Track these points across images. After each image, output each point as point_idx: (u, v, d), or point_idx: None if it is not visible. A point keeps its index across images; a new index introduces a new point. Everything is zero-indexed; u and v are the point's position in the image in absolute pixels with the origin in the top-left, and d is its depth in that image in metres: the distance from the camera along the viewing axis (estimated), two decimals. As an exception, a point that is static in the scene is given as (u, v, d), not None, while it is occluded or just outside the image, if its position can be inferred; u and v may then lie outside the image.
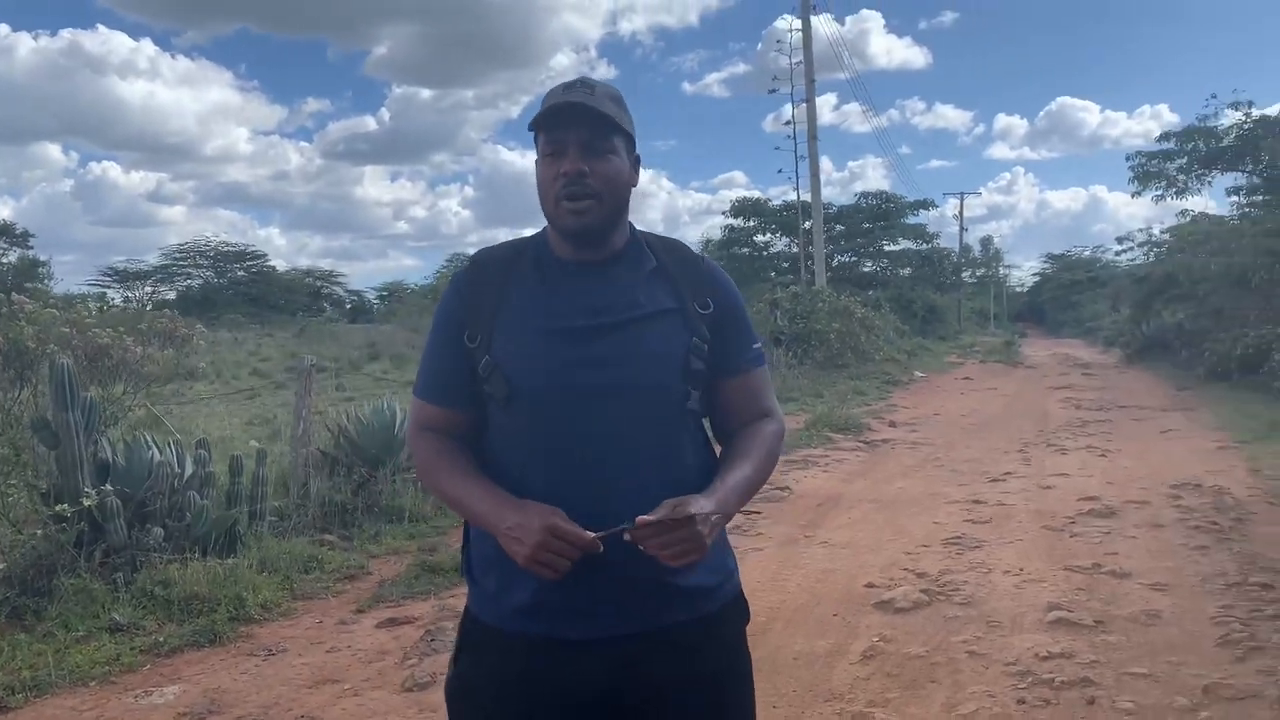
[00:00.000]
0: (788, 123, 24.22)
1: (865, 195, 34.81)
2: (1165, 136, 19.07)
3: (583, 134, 1.68)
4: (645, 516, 1.55)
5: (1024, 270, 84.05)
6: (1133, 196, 21.28)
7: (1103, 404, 15.26)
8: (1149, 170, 19.77)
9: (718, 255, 36.93)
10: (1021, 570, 5.68)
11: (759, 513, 7.34)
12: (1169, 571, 5.58)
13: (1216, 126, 17.73)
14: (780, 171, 49.50)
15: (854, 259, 34.59)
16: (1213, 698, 3.78)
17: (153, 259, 53.46)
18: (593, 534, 1.57)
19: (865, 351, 19.44)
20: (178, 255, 52.04)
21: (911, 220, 35.39)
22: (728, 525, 1.74)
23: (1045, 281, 76.42)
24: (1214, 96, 20.28)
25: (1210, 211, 21.62)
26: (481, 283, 1.77)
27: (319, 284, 58.53)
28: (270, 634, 4.84)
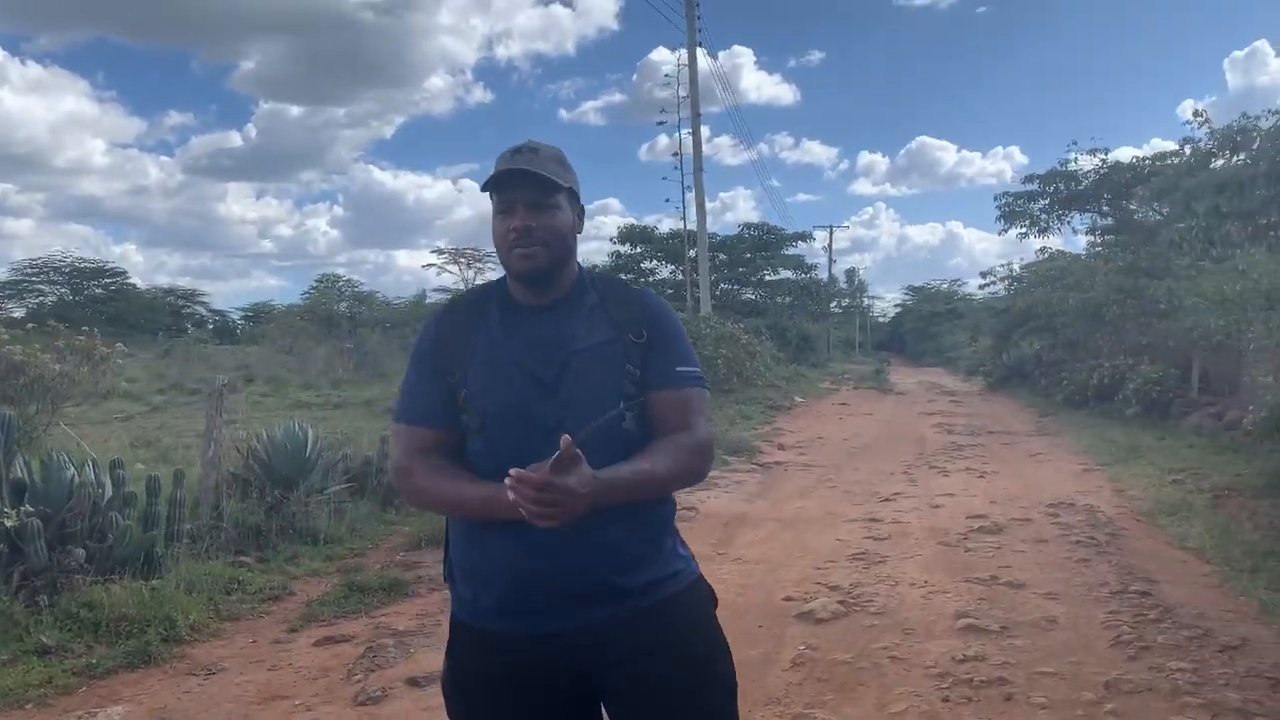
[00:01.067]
0: (675, 154, 24.81)
1: (748, 226, 36.00)
2: (1030, 179, 20.36)
3: (528, 194, 1.93)
4: (518, 471, 1.67)
5: (886, 301, 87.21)
6: (999, 234, 22.59)
7: (973, 429, 16.08)
8: (1015, 209, 21.02)
9: None
10: (926, 582, 6.05)
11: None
12: (1058, 582, 6.04)
13: (1076, 170, 19.02)
14: (668, 200, 50.38)
15: (735, 287, 35.48)
16: (1114, 692, 4.17)
17: (-1, 273, 50.48)
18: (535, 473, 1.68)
19: (749, 377, 19.99)
20: (28, 270, 49.25)
21: (790, 251, 36.75)
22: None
23: (906, 312, 79.41)
24: (1075, 143, 21.75)
25: (1065, 249, 23.08)
26: (454, 325, 2.03)
27: (180, 303, 56.30)
28: (204, 654, 4.80)
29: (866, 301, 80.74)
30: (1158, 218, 18.02)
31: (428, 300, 43.00)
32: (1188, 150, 16.35)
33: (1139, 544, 7.22)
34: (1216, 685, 4.20)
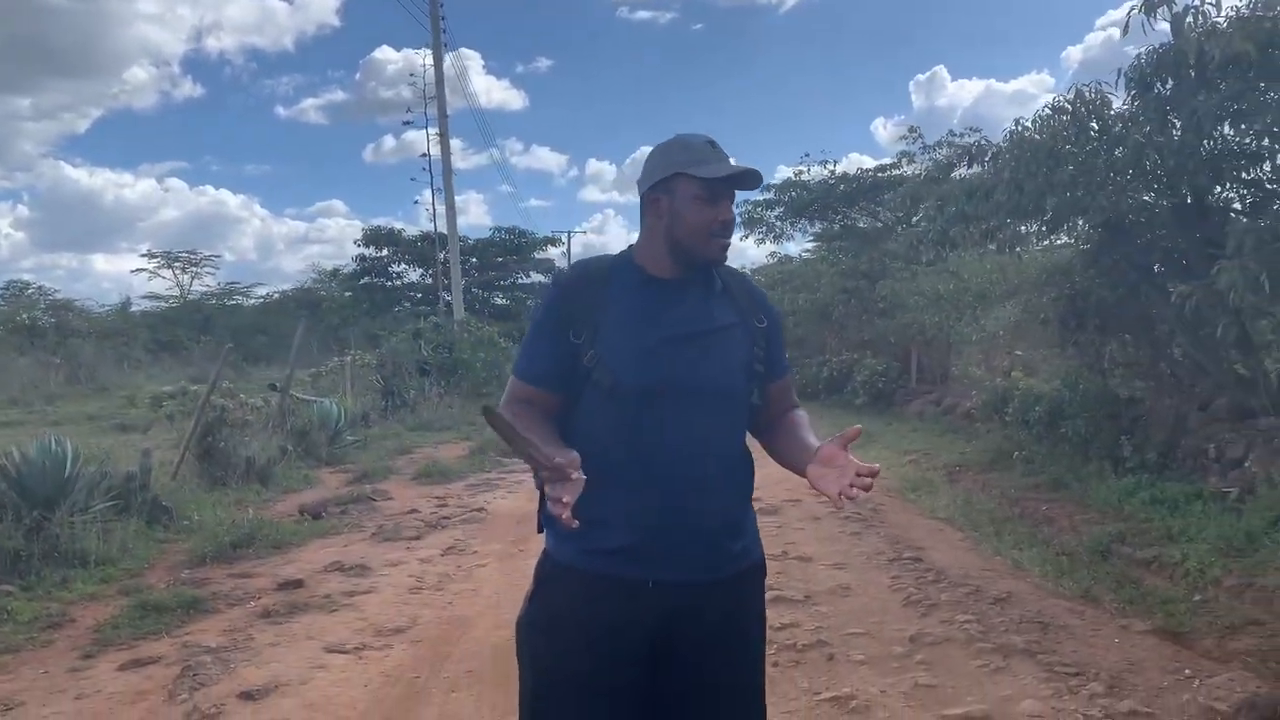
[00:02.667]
0: (423, 155, 24.29)
1: (500, 229, 35.81)
2: (767, 188, 21.69)
3: (733, 191, 2.12)
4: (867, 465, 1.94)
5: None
6: (740, 239, 23.78)
7: (723, 423, 16.92)
8: (754, 216, 22.34)
9: (347, 286, 36.02)
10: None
11: (461, 535, 7.54)
12: (840, 554, 6.58)
13: (809, 180, 20.50)
14: (416, 202, 49.44)
15: (486, 292, 35.25)
16: (919, 644, 4.64)
17: None
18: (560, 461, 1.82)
19: (507, 381, 19.99)
20: None
21: (541, 256, 36.94)
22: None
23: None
24: (807, 155, 23.38)
25: (793, 255, 24.76)
26: (584, 288, 2.12)
27: None
28: (-8, 691, 4.35)
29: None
30: (879, 225, 19.79)
31: (133, 308, 39.85)
32: (904, 163, 18.13)
33: (898, 517, 7.97)
34: (1000, 632, 4.78)
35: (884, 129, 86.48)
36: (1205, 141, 7.04)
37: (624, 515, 2.00)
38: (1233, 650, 4.56)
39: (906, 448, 12.12)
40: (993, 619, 4.99)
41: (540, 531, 2.22)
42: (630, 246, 2.22)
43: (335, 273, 37.77)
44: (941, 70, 79.31)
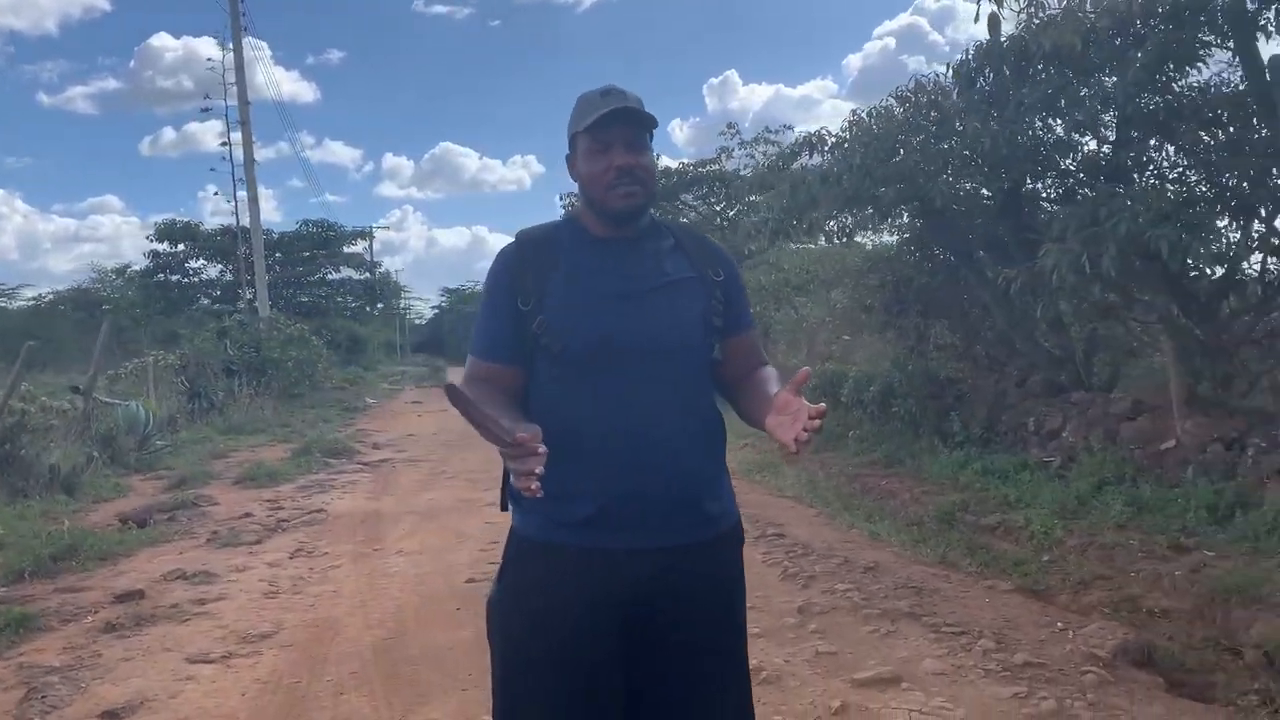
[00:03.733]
0: (223, 143, 22.92)
1: (307, 222, 34.09)
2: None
3: (627, 133, 1.96)
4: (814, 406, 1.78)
5: (424, 303, 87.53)
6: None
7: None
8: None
9: (142, 284, 33.46)
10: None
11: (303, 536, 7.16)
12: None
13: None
14: (216, 193, 46.62)
15: (293, 289, 33.57)
16: (809, 615, 4.72)
17: None
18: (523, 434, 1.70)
19: (318, 381, 19.20)
20: None
21: (351, 250, 35.43)
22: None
23: (445, 313, 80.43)
24: None
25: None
26: (527, 256, 2.02)
27: None
28: None
29: (405, 304, 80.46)
30: (698, 218, 20.18)
31: None
32: (723, 158, 18.55)
33: (750, 496, 8.12)
34: (880, 598, 4.93)
35: (680, 130, 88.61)
36: (1024, 133, 7.53)
37: (590, 484, 1.91)
38: (1087, 603, 4.88)
39: (739, 433, 12.36)
40: (870, 587, 5.14)
41: (504, 510, 2.11)
42: (576, 208, 2.15)
43: (123, 271, 35.18)
44: (733, 74, 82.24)
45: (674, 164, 19.68)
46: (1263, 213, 7.16)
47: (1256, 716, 3.46)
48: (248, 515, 8.09)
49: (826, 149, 8.13)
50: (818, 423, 1.78)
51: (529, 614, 1.96)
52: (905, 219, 9.57)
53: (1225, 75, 6.85)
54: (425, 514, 8.04)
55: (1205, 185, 7.07)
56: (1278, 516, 5.43)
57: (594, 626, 1.93)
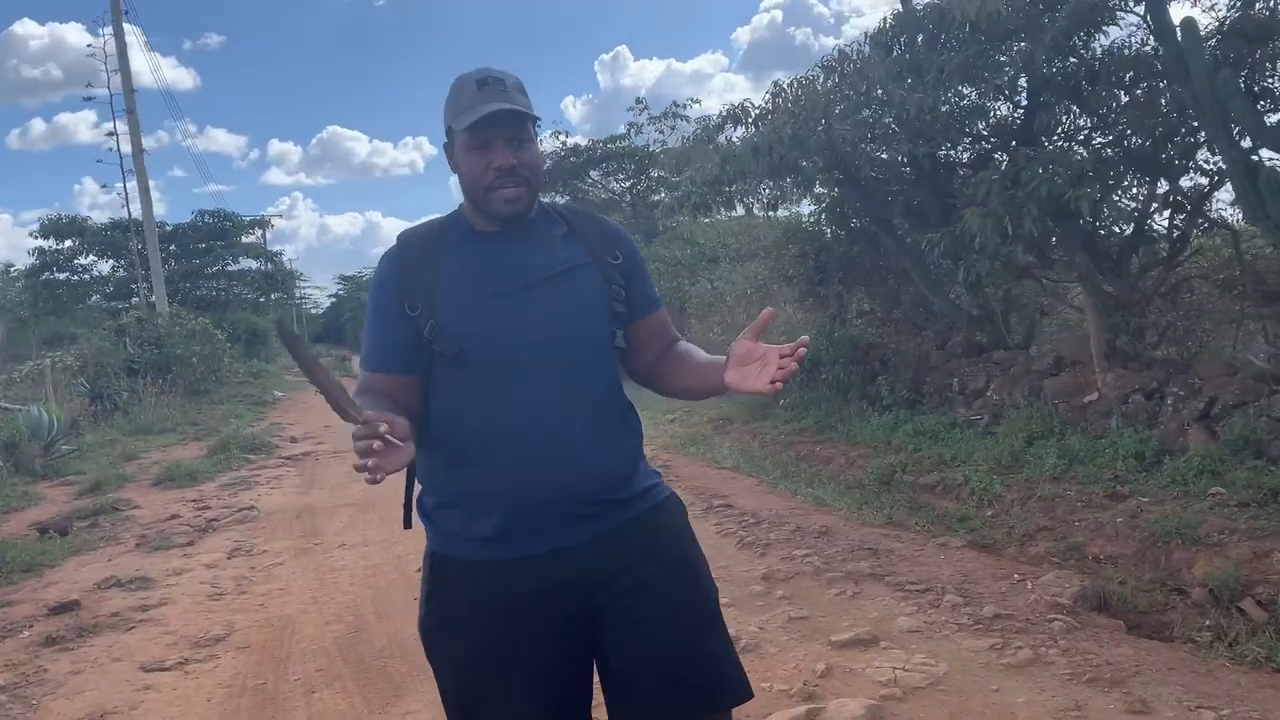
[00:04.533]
0: (110, 133, 21.91)
1: (202, 213, 32.69)
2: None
3: (506, 130, 1.83)
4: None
5: (321, 291, 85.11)
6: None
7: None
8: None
9: (28, 284, 31.69)
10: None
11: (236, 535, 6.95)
12: (653, 510, 6.63)
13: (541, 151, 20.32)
14: (104, 186, 45.18)
15: (190, 282, 32.25)
16: (774, 581, 4.77)
17: None
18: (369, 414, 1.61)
19: (225, 376, 18.61)
20: None
21: (249, 239, 34.17)
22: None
23: (342, 302, 78.39)
24: (538, 122, 23.15)
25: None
26: (411, 257, 1.90)
27: None
28: None
29: (300, 293, 78.31)
30: (610, 196, 20.10)
31: None
32: (633, 133, 18.50)
33: (689, 469, 8.17)
34: (839, 561, 5.01)
35: (574, 107, 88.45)
36: (945, 101, 7.68)
37: (493, 496, 1.82)
38: (1035, 554, 5.05)
39: (666, 409, 12.42)
40: (826, 551, 5.22)
41: (407, 527, 2.04)
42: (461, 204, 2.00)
43: (4, 271, 33.32)
44: (624, 50, 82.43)
45: (584, 141, 19.58)
46: (1170, 171, 7.46)
47: (1214, 650, 3.63)
48: (174, 517, 7.81)
49: (751, 121, 8.19)
50: (802, 351, 1.69)
51: (468, 632, 1.87)
52: (824, 189, 9.67)
53: (1137, 37, 7.09)
54: (360, 506, 7.87)
55: (1114, 147, 7.31)
56: (1203, 461, 5.67)
57: (546, 630, 1.85)
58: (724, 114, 8.49)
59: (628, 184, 20.02)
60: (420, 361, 1.87)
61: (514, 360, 1.82)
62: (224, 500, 8.56)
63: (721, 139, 8.58)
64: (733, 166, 7.51)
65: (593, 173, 19.97)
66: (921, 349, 9.53)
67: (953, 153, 8.81)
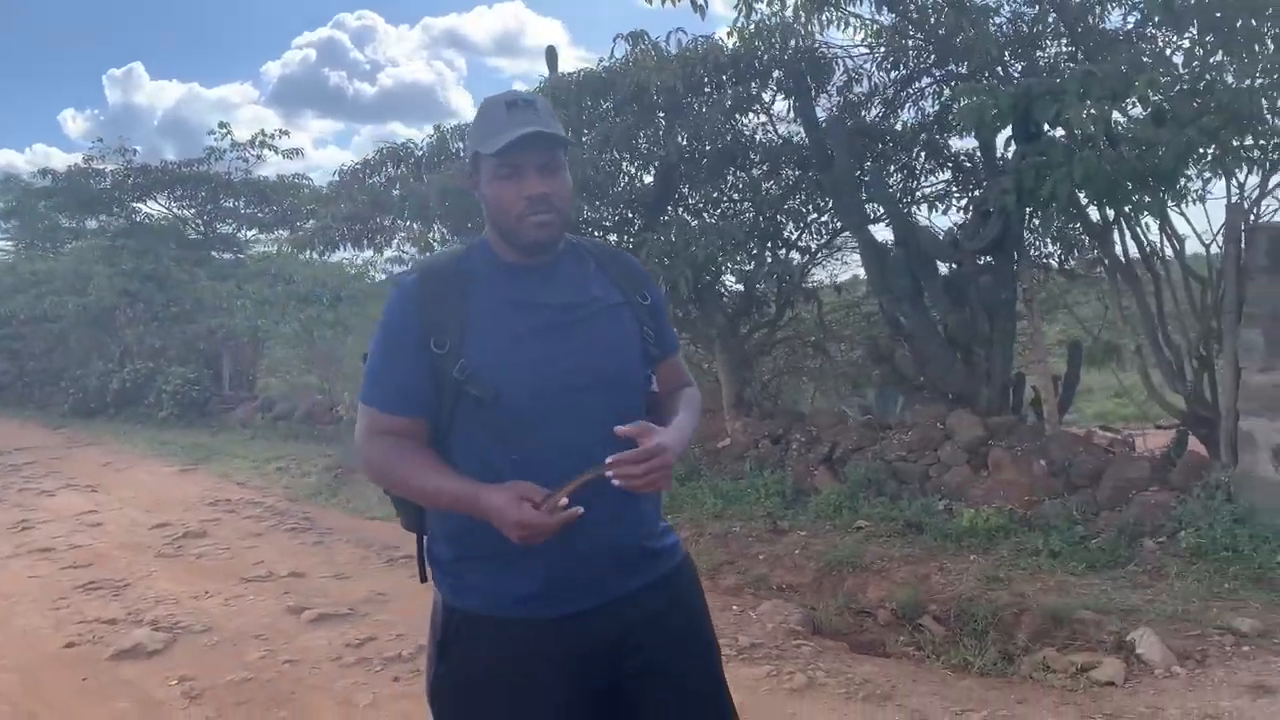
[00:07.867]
0: None
1: None
2: (44, 173, 18.51)
3: (538, 156, 1.77)
4: (618, 455, 1.66)
5: None
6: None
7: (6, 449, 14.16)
8: (20, 207, 18.96)
9: None
10: (208, 591, 5.64)
11: None
12: (333, 564, 6.20)
13: (102, 169, 17.97)
14: None
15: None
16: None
17: None
18: (565, 495, 1.67)
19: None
20: None
21: None
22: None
23: None
24: (100, 140, 20.47)
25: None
26: (440, 288, 1.81)
27: None
28: None
29: None
30: (174, 220, 18.30)
31: None
32: (213, 159, 17.05)
33: (335, 521, 7.67)
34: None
35: (74, 121, 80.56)
36: (595, 165, 8.14)
37: (534, 550, 1.70)
38: (727, 586, 5.49)
39: (261, 456, 11.56)
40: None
41: (424, 581, 1.95)
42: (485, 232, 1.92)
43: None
44: (139, 67, 76.73)
45: (155, 163, 17.74)
46: (779, 241, 8.53)
47: (931, 663, 4.22)
48: None
49: (412, 161, 8.03)
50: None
51: (491, 696, 1.79)
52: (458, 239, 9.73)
53: (781, 128, 8.06)
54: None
55: (752, 215, 8.20)
56: (839, 498, 6.53)
57: (573, 687, 1.81)
58: (383, 152, 8.26)
59: (191, 211, 18.53)
60: (436, 404, 1.78)
61: (552, 403, 1.76)
62: None
63: (378, 179, 8.33)
64: (389, 208, 7.36)
65: (159, 196, 18.14)
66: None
67: (601, 214, 9.31)
